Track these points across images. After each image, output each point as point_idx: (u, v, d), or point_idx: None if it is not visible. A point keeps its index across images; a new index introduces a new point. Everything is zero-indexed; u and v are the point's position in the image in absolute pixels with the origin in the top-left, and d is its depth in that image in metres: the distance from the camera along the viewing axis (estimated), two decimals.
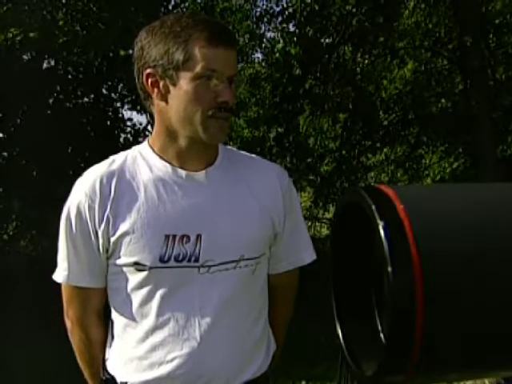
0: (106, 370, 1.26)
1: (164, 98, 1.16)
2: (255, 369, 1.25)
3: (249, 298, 1.23)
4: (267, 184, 1.26)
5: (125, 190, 1.17)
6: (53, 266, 1.26)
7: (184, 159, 1.20)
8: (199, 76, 1.12)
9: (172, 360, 1.16)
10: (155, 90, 1.16)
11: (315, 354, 4.18)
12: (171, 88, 1.14)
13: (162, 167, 1.20)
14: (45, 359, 4.22)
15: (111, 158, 1.23)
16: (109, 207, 1.16)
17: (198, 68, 1.11)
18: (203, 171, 1.21)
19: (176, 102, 1.14)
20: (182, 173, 1.19)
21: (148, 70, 1.16)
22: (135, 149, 1.25)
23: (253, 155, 1.34)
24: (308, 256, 1.35)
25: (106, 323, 1.29)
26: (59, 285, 1.27)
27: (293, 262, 1.34)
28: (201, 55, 1.11)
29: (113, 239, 1.16)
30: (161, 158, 1.21)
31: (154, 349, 1.18)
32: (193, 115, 1.13)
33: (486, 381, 2.68)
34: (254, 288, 1.25)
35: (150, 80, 1.16)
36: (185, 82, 1.13)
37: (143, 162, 1.21)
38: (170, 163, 1.20)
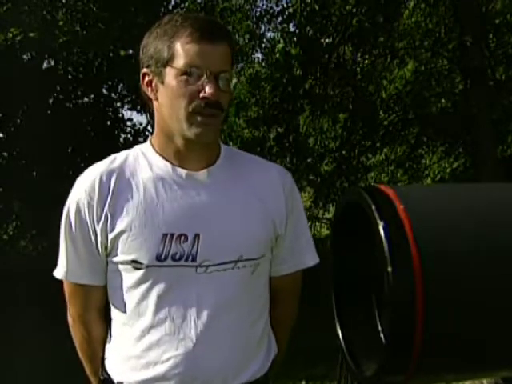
0: (105, 370, 1.26)
1: (156, 96, 1.18)
2: (254, 370, 1.24)
3: (248, 299, 1.23)
4: (269, 185, 1.25)
5: (124, 188, 1.18)
6: (53, 265, 1.26)
7: (184, 158, 1.20)
8: (182, 72, 1.13)
9: (167, 360, 1.16)
10: (149, 88, 1.18)
11: (315, 354, 4.18)
12: (160, 86, 1.16)
13: (162, 166, 1.20)
14: (46, 359, 4.22)
15: (112, 156, 1.24)
16: (107, 205, 1.16)
17: (181, 64, 1.12)
18: (204, 170, 1.20)
19: (164, 99, 1.16)
20: (182, 172, 1.19)
21: (144, 70, 1.18)
22: (137, 147, 1.25)
23: (255, 156, 1.33)
24: (310, 259, 1.34)
25: (108, 321, 1.29)
26: (59, 285, 1.28)
27: (295, 264, 1.33)
28: (183, 51, 1.12)
29: (110, 237, 1.16)
30: (162, 156, 1.21)
31: (150, 348, 1.18)
32: (177, 111, 1.14)
33: (485, 381, 2.68)
34: (253, 289, 1.24)
35: (145, 80, 1.18)
36: (170, 79, 1.14)
37: (144, 161, 1.21)
38: (170, 162, 1.20)
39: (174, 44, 1.12)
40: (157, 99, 1.18)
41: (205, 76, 1.12)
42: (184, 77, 1.12)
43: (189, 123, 1.13)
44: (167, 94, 1.15)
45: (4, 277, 5.38)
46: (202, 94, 1.12)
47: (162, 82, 1.15)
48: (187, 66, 1.12)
